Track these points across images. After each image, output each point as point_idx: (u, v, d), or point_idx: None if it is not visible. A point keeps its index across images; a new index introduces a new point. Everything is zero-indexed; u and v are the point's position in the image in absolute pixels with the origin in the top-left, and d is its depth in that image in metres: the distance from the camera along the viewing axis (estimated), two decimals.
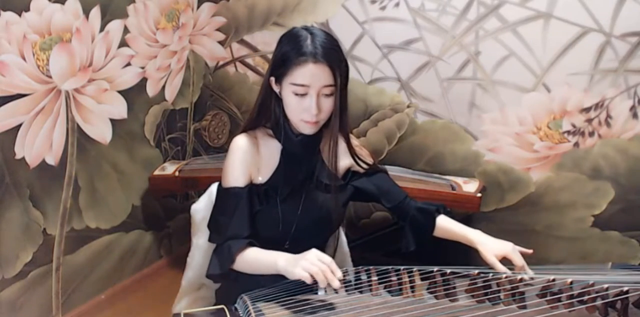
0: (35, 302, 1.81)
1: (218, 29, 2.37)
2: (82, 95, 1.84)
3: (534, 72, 1.92)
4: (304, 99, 1.15)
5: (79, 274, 1.97)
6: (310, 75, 1.13)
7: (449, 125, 2.09)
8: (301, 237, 1.25)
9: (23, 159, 1.68)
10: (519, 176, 2.04)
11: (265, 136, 1.28)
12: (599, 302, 0.99)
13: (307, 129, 1.20)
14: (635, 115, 1.85)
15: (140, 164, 2.17)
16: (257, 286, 1.15)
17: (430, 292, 1.11)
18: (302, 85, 1.14)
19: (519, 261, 1.16)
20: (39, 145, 1.72)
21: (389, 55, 2.10)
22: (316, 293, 1.11)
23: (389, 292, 1.12)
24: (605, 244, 1.99)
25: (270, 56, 1.22)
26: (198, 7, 2.30)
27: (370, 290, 1.12)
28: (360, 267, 1.18)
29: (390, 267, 1.16)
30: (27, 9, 1.60)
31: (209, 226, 1.28)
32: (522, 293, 1.05)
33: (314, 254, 1.05)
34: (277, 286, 1.12)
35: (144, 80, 2.10)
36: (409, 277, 1.14)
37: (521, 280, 1.06)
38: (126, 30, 1.96)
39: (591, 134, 1.92)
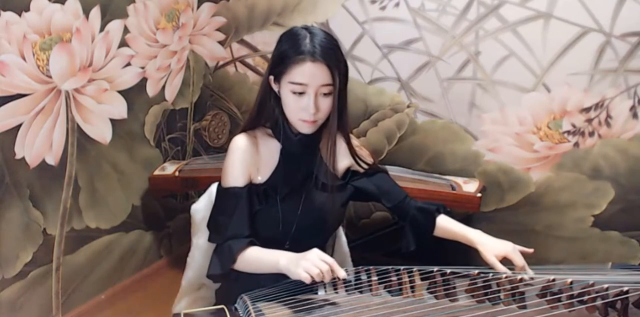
0: (35, 302, 1.81)
1: (218, 29, 2.37)
2: (82, 95, 1.84)
3: (534, 72, 1.92)
4: (302, 98, 1.15)
5: (79, 274, 1.97)
6: (308, 74, 1.13)
7: (449, 125, 2.09)
8: (301, 237, 1.25)
9: (23, 159, 1.68)
10: (519, 176, 2.04)
11: (264, 136, 1.28)
12: (599, 302, 0.99)
13: (306, 129, 1.20)
14: (635, 115, 1.85)
15: (140, 164, 2.17)
16: (257, 285, 1.14)
17: (430, 292, 1.11)
18: (300, 84, 1.14)
19: (519, 261, 1.16)
20: (39, 145, 1.72)
21: (389, 55, 2.10)
22: (316, 293, 1.11)
23: (389, 292, 1.12)
24: (605, 244, 1.99)
25: (270, 56, 1.22)
26: (198, 7, 2.30)
27: (370, 290, 1.12)
28: (360, 267, 1.18)
29: (390, 267, 1.16)
30: (27, 9, 1.60)
31: (209, 226, 1.28)
32: (522, 293, 1.05)
33: (315, 253, 1.05)
34: (277, 285, 1.12)
35: (144, 80, 2.10)
36: (409, 277, 1.14)
37: (521, 280, 1.06)
38: (126, 30, 1.96)
39: (591, 134, 1.92)
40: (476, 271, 1.12)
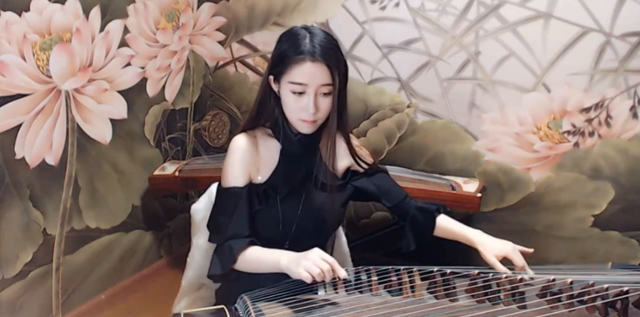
0: (35, 302, 1.81)
1: (218, 29, 2.37)
2: (82, 95, 1.84)
3: (534, 72, 1.92)
4: (302, 98, 1.15)
5: (79, 274, 1.97)
6: (308, 74, 1.13)
7: (449, 125, 2.09)
8: (301, 237, 1.25)
9: (23, 159, 1.68)
10: (519, 176, 2.04)
11: (264, 136, 1.28)
12: (599, 302, 0.99)
13: (305, 128, 1.20)
14: (635, 115, 1.85)
15: (140, 164, 2.17)
16: (257, 285, 1.14)
17: (430, 292, 1.11)
18: (300, 84, 1.14)
19: (519, 260, 1.16)
20: (39, 145, 1.72)
21: (389, 55, 2.10)
22: (316, 293, 1.11)
23: (389, 292, 1.12)
24: (605, 244, 1.99)
25: (270, 56, 1.22)
26: (198, 7, 2.30)
27: (370, 290, 1.12)
28: (360, 267, 1.18)
29: (390, 267, 1.16)
30: (27, 9, 1.60)
31: (209, 226, 1.28)
32: (522, 293, 1.05)
33: (316, 253, 1.05)
34: (277, 285, 1.12)
35: (144, 80, 2.10)
36: (409, 277, 1.14)
37: (521, 280, 1.06)
38: (126, 30, 1.96)
39: (591, 134, 1.92)
40: (476, 271, 1.12)
